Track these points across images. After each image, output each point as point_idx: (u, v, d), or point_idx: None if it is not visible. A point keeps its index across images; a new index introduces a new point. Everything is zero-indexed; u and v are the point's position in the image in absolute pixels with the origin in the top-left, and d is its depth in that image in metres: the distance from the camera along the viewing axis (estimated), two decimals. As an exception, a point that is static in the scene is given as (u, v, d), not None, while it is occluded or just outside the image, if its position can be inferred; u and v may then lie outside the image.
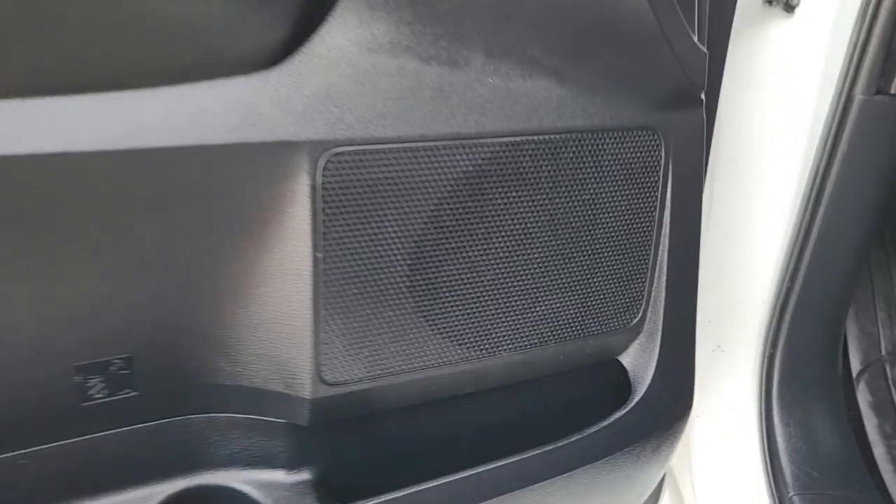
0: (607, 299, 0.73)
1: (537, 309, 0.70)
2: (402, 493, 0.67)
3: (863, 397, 1.03)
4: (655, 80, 0.68)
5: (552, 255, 0.68)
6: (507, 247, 0.66)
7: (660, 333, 0.75)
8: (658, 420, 0.77)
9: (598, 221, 0.69)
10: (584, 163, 0.66)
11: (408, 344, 0.65)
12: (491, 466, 0.69)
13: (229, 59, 0.53)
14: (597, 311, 0.73)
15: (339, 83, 0.55)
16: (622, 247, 0.71)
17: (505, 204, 0.64)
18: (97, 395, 0.59)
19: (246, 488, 0.68)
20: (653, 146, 0.69)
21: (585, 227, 0.69)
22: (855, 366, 1.04)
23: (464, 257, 0.64)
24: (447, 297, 0.65)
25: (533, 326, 0.70)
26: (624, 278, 0.73)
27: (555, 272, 0.69)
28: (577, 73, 0.64)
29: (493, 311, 0.68)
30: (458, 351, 0.67)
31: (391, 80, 0.57)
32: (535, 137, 0.64)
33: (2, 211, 0.50)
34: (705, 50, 0.70)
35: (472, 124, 0.61)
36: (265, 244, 0.58)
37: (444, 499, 0.69)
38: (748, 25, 0.84)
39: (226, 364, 0.64)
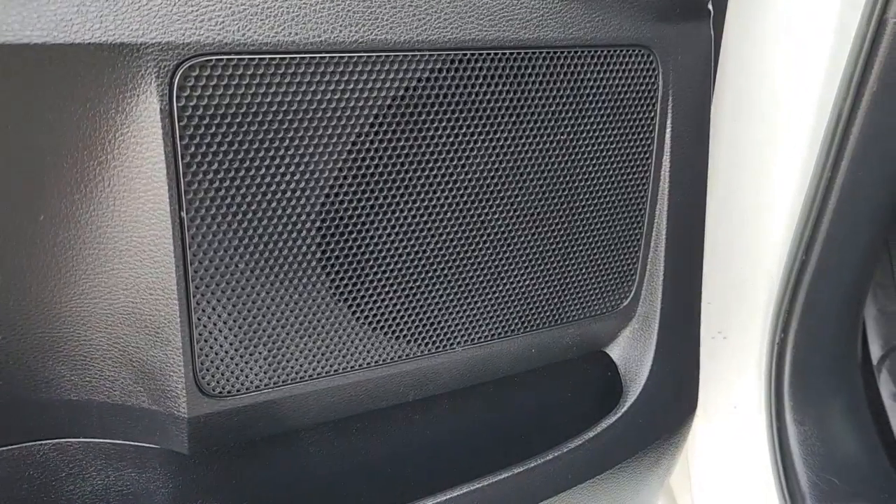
0: (590, 275, 0.56)
1: (499, 288, 0.53)
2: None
3: (885, 387, 0.88)
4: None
5: (517, 216, 0.51)
6: (456, 204, 0.49)
7: (657, 318, 0.59)
8: (657, 427, 0.60)
9: (576, 171, 0.52)
10: (556, 90, 0.49)
11: (324, 337, 0.47)
12: (444, 498, 0.52)
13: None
14: (577, 290, 0.56)
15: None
16: (608, 205, 0.54)
17: (451, 144, 0.47)
18: None
19: (112, 538, 0.50)
20: (646, 70, 0.53)
21: (560, 178, 0.52)
22: (875, 352, 0.89)
23: (395, 218, 0.47)
24: (375, 271, 0.47)
25: (494, 312, 0.53)
26: (611, 247, 0.56)
27: (521, 238, 0.52)
28: (546, -33, 0.47)
29: (440, 292, 0.50)
30: (396, 346, 0.50)
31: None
32: (492, 52, 0.47)
33: None
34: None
35: (404, 31, 0.43)
36: (103, 199, 0.40)
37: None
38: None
39: (69, 373, 0.46)
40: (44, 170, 0.39)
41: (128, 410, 0.47)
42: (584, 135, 0.51)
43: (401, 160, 0.46)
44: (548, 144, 0.50)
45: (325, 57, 0.42)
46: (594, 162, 0.53)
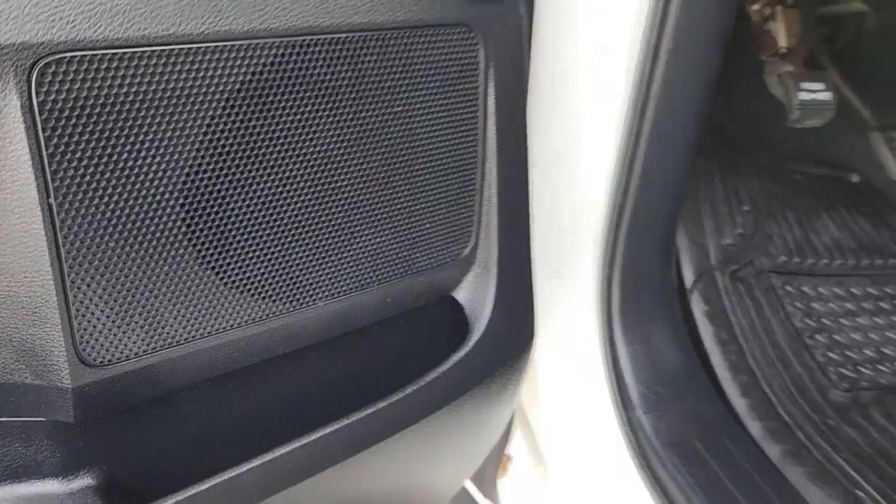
0: (433, 229, 0.64)
1: (353, 246, 0.59)
2: (211, 483, 0.55)
3: (697, 307, 1.03)
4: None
5: (363, 181, 0.58)
6: (307, 173, 0.54)
7: (495, 263, 0.67)
8: (501, 356, 0.70)
9: (413, 138, 0.59)
10: (389, 68, 0.56)
11: (195, 303, 0.52)
12: (318, 435, 0.58)
13: None
14: (423, 243, 0.64)
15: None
16: (444, 166, 0.62)
17: (297, 121, 0.52)
18: None
19: (5, 509, 0.53)
20: (470, 46, 0.60)
21: (399, 146, 0.59)
22: (688, 277, 1.04)
23: (252, 190, 0.52)
24: (237, 240, 0.53)
25: (350, 268, 0.60)
26: (449, 203, 0.64)
27: (369, 201, 0.59)
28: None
29: (299, 254, 0.56)
30: (262, 306, 0.56)
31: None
32: (328, 37, 0.52)
33: None
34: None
35: (245, 21, 0.48)
36: (-30, 191, 0.43)
37: (266, 481, 0.58)
38: None
39: (-54, 355, 0.48)
40: None
41: (11, 388, 0.50)
42: (417, 106, 0.58)
43: (252, 138, 0.51)
44: (386, 116, 0.57)
45: (174, 49, 0.46)
46: (429, 129, 0.60)
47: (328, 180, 0.56)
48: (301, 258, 0.57)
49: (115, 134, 0.45)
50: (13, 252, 0.45)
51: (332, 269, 0.59)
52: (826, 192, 1.24)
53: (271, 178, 0.53)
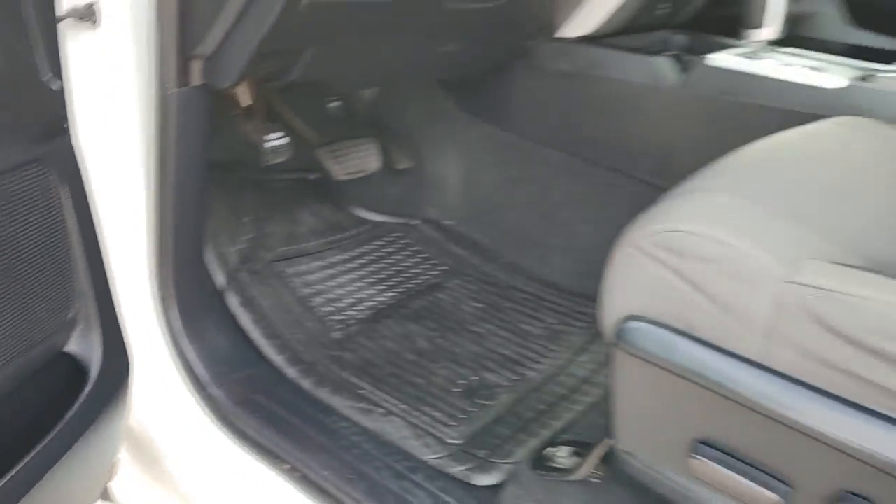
0: (41, 306, 0.85)
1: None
2: None
3: (233, 300, 1.37)
4: (27, 119, 0.80)
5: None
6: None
7: (94, 316, 0.91)
8: (114, 386, 0.94)
9: (20, 249, 0.80)
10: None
11: None
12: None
13: None
14: (34, 319, 0.84)
15: None
16: (46, 262, 0.83)
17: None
18: None
19: None
20: (44, 174, 0.82)
21: (9, 257, 0.79)
22: (222, 280, 1.37)
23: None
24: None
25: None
26: (52, 284, 0.85)
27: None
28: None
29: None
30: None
31: None
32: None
33: None
34: (61, 83, 0.84)
35: None
36: None
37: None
38: (75, 43, 0.99)
39: None
40: None
41: None
42: (19, 227, 0.79)
43: None
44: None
45: None
46: (31, 242, 0.81)
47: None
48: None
49: None
50: None
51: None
52: (300, 192, 1.70)
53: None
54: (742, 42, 1.48)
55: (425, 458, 1.11)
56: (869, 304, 0.67)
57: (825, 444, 0.70)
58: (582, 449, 1.08)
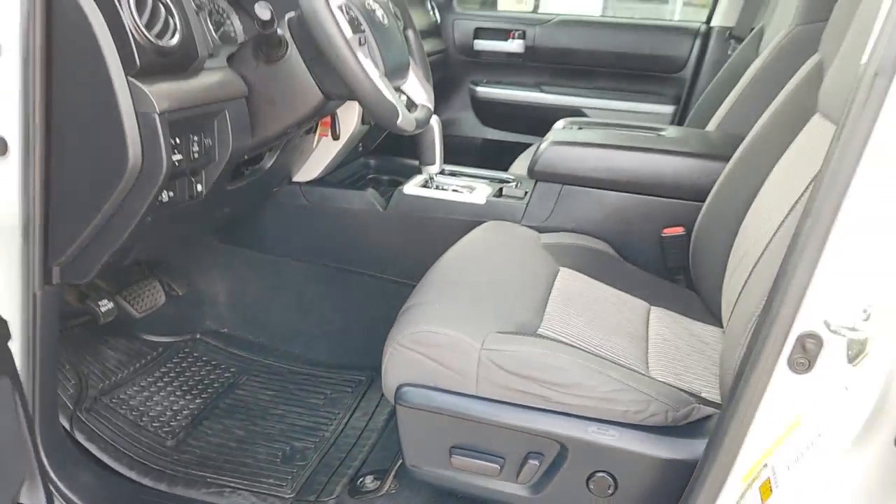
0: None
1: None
2: None
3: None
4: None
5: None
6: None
7: None
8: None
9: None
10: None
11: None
12: None
13: None
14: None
15: None
16: None
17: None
18: None
19: None
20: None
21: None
22: (66, 424, 1.65)
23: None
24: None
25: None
26: None
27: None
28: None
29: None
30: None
31: None
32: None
33: None
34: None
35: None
36: None
37: None
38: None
39: None
40: None
41: None
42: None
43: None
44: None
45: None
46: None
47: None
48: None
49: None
50: None
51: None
52: (98, 334, 2.00)
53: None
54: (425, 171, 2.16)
55: (273, 513, 1.56)
56: (519, 354, 1.32)
57: (514, 430, 1.33)
58: (379, 474, 1.62)
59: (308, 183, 2.11)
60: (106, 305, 1.67)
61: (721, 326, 1.66)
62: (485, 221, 1.94)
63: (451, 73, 3.29)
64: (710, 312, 1.73)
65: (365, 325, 2.14)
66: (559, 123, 2.28)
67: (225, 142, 1.46)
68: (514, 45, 3.22)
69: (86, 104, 1.23)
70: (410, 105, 1.64)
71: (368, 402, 1.96)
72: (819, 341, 0.99)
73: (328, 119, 1.88)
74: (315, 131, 1.95)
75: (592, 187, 1.95)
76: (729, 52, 2.92)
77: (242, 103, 1.49)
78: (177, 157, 1.33)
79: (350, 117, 1.99)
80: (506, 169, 2.44)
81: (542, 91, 3.24)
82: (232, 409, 1.91)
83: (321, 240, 2.13)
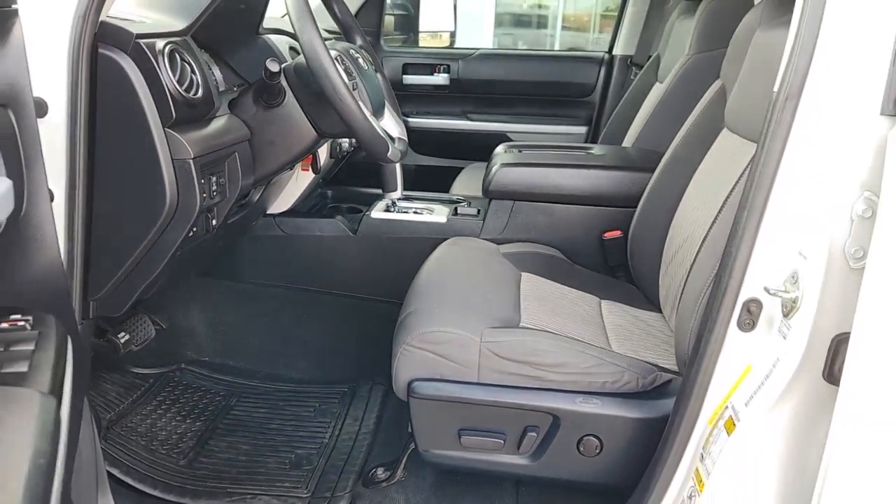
0: None
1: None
2: None
3: None
4: None
5: None
6: None
7: None
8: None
9: None
10: None
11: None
12: None
13: None
14: None
15: None
16: None
17: None
18: None
19: None
20: None
21: None
22: (85, 452, 1.75)
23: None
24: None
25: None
26: None
27: None
28: None
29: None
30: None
31: None
32: None
33: None
34: None
35: None
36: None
37: None
38: None
39: None
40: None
41: None
42: None
43: None
44: None
45: None
46: None
47: None
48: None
49: None
50: None
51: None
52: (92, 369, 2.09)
53: None
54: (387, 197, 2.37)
55: (295, 512, 1.73)
56: (513, 343, 1.57)
57: (513, 408, 1.57)
58: (387, 466, 1.82)
59: (281, 214, 2.29)
60: (123, 338, 1.80)
61: (660, 311, 1.96)
62: (447, 238, 2.18)
63: (381, 106, 3.53)
64: (649, 301, 2.04)
65: (342, 342, 2.33)
66: (500, 148, 2.56)
67: (235, 180, 1.64)
68: (440, 79, 3.50)
69: (127, 153, 1.40)
70: (390, 139, 1.87)
71: (356, 410, 2.15)
72: (759, 304, 1.28)
73: (310, 156, 2.08)
74: (293, 167, 2.14)
75: (541, 201, 2.23)
76: (631, 77, 3.31)
77: (246, 146, 1.68)
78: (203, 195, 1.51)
79: (323, 152, 2.20)
80: (444, 191, 2.70)
81: (468, 119, 3.53)
82: (232, 428, 2.05)
83: (296, 266, 2.31)
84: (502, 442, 1.60)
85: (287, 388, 2.26)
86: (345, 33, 2.07)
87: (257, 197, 1.98)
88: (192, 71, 1.48)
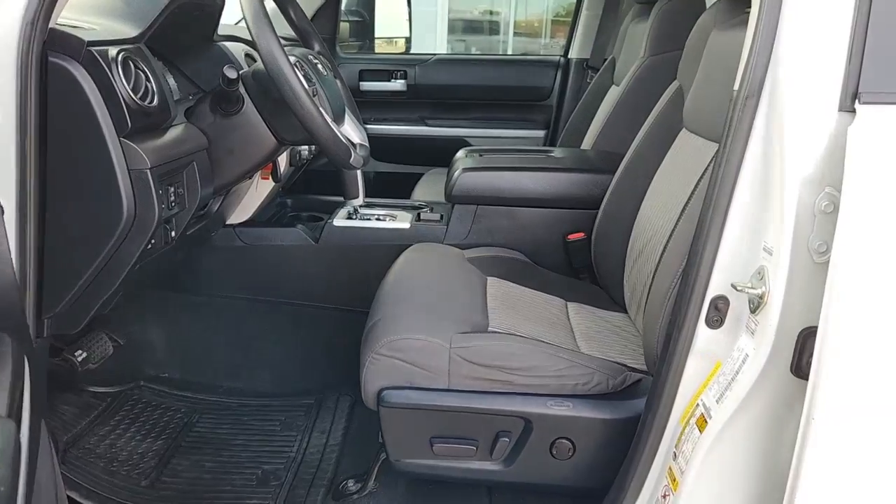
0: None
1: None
2: None
3: None
4: None
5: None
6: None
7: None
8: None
9: None
10: None
11: None
12: None
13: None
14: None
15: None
16: None
17: None
18: None
19: None
20: None
21: None
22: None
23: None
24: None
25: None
26: None
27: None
28: None
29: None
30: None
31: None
32: None
33: None
34: None
35: None
36: None
37: None
38: None
39: None
40: None
41: None
42: None
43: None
44: None
45: None
46: None
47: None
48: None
49: None
50: None
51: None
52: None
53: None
54: (349, 204, 2.34)
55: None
56: (483, 347, 1.56)
57: (484, 414, 1.55)
58: (358, 477, 1.79)
59: (241, 224, 2.24)
60: (80, 356, 1.73)
61: (625, 312, 1.97)
62: (411, 244, 2.16)
63: (338, 113, 3.50)
64: (614, 301, 2.05)
65: (306, 353, 2.29)
66: (461, 153, 2.55)
67: (194, 190, 1.60)
68: (397, 85, 3.48)
69: (82, 164, 1.35)
70: (352, 145, 1.84)
71: (322, 422, 2.11)
72: (727, 301, 1.29)
73: (269, 164, 2.04)
74: (252, 176, 2.10)
75: (504, 205, 2.23)
76: (588, 81, 3.34)
77: (205, 155, 1.64)
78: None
79: (282, 160, 2.16)
80: (405, 197, 2.68)
81: (426, 124, 3.52)
82: (195, 446, 1.99)
83: (257, 277, 2.26)
84: (474, 448, 1.58)
85: (251, 403, 2.21)
86: (302, 39, 2.05)
87: (216, 207, 1.94)
88: (147, 79, 1.44)
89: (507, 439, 1.57)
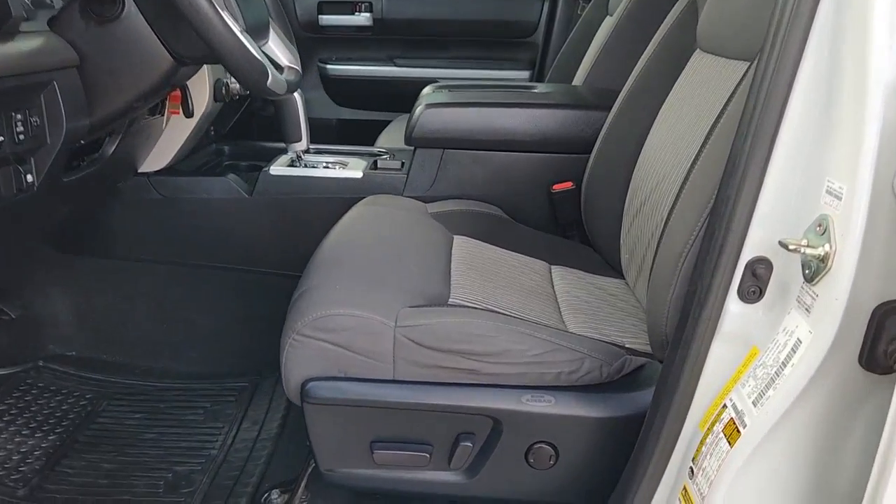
0: None
1: None
2: None
3: None
4: None
5: None
6: None
7: None
8: None
9: None
10: None
11: None
12: None
13: None
14: None
15: None
16: None
17: None
18: None
19: None
20: None
21: None
22: None
23: None
24: None
25: None
26: None
27: None
28: None
29: None
30: None
31: None
32: None
33: None
34: None
35: None
36: None
37: None
38: None
39: None
40: None
41: None
42: None
43: None
44: None
45: None
46: None
47: None
48: None
49: None
50: None
51: None
52: None
53: None
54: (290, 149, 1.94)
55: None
56: (438, 326, 1.19)
57: (441, 412, 1.19)
58: (286, 486, 1.43)
59: (157, 173, 1.85)
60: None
61: (622, 277, 1.61)
62: (363, 197, 1.78)
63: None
64: (608, 265, 1.68)
65: (241, 326, 1.92)
66: (427, 89, 2.15)
67: (57, 121, 1.21)
68: (362, 19, 3.06)
69: None
70: (276, 67, 1.45)
71: (256, 410, 1.75)
72: (769, 265, 0.93)
73: (178, 94, 1.64)
74: (163, 112, 1.70)
75: (475, 149, 1.84)
76: (578, 12, 2.93)
77: (74, 74, 1.24)
78: (-4, 137, 1.08)
79: (202, 93, 1.76)
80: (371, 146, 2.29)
81: (395, 65, 3.11)
82: (95, 442, 1.63)
83: (179, 237, 1.88)
84: (428, 456, 1.22)
85: (172, 387, 1.85)
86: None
87: (112, 149, 1.54)
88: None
89: (469, 444, 1.21)
